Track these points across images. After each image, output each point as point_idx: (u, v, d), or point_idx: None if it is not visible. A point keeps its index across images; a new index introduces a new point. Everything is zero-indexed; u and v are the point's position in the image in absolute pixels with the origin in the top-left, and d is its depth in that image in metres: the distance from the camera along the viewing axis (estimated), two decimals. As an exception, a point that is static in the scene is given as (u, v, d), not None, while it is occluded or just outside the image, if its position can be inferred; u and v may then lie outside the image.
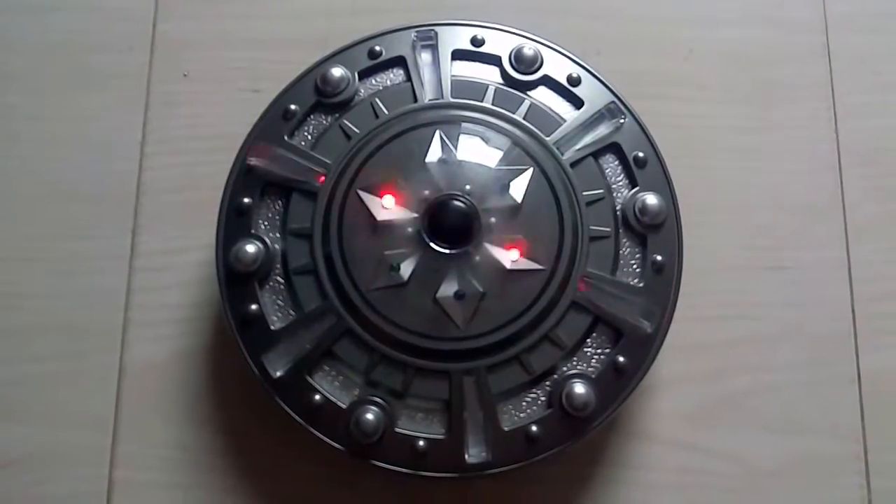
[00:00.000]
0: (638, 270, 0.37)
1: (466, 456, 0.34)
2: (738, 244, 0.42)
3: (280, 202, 0.37)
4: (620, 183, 0.38)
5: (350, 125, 0.37)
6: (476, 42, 0.39)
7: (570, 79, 0.38)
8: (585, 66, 0.39)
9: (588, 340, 0.36)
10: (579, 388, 0.35)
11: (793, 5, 0.45)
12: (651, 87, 0.44)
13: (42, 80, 0.44)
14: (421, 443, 0.34)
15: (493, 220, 0.35)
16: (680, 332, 0.38)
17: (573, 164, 0.37)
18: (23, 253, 0.41)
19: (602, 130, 0.38)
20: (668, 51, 0.45)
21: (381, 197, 0.35)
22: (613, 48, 0.44)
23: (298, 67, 0.39)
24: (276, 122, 0.38)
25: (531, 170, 0.36)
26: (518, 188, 0.36)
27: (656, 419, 0.40)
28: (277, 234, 0.37)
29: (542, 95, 0.38)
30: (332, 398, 0.35)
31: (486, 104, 0.38)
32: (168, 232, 0.42)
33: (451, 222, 0.35)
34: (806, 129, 0.44)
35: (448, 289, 0.34)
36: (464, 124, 0.37)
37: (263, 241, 0.36)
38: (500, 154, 0.36)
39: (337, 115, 0.38)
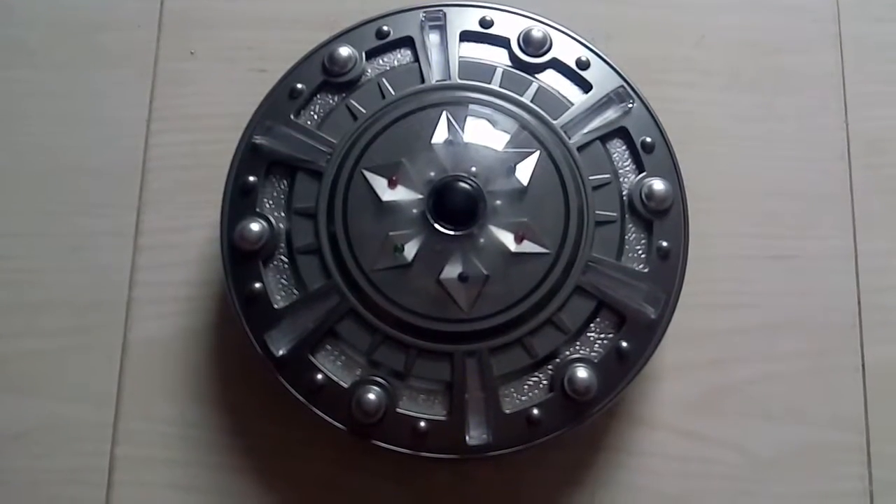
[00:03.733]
0: (643, 256, 0.36)
1: (467, 438, 0.34)
2: (745, 232, 0.42)
3: (285, 181, 0.37)
4: (627, 168, 0.37)
5: (356, 105, 0.37)
6: (485, 24, 0.39)
7: (578, 62, 0.38)
8: (594, 49, 0.39)
9: (591, 325, 0.36)
10: (581, 373, 0.35)
11: (805, -8, 0.45)
12: (660, 72, 0.44)
13: (51, 57, 0.44)
14: (422, 424, 0.34)
15: (498, 202, 0.35)
16: (684, 319, 0.38)
17: (580, 148, 0.37)
18: (29, 228, 0.41)
19: (610, 115, 0.38)
20: (679, 36, 0.44)
21: (386, 177, 0.35)
22: (623, 33, 0.44)
23: (306, 47, 0.39)
24: (282, 101, 0.38)
25: (538, 153, 0.36)
26: (524, 171, 0.35)
27: (659, 406, 0.40)
28: (282, 214, 0.37)
29: (551, 78, 0.38)
30: (334, 378, 0.35)
31: (494, 86, 0.37)
32: (173, 210, 0.42)
33: (455, 204, 0.35)
34: (816, 117, 0.43)
35: (452, 271, 0.34)
36: (471, 106, 0.37)
37: (268, 220, 0.36)
38: (506, 137, 0.36)
39: (344, 94, 0.38)
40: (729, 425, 0.39)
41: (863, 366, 0.40)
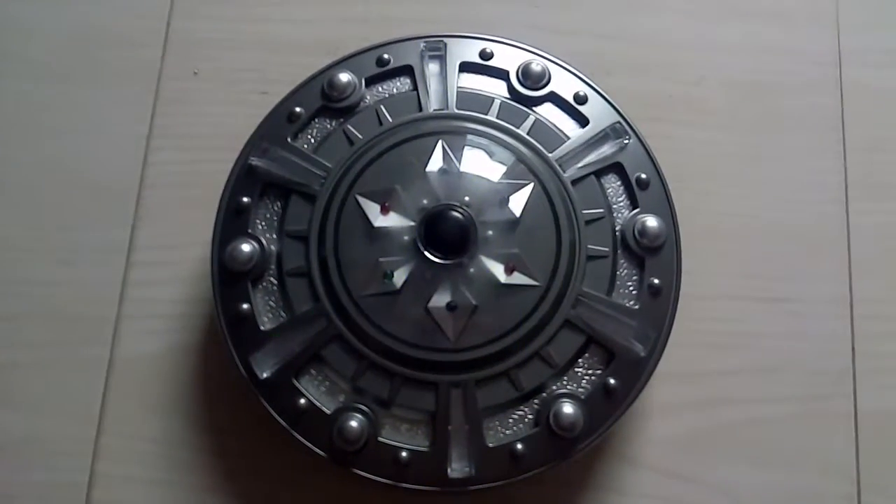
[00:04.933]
0: (634, 293, 0.36)
1: (449, 470, 0.34)
2: (739, 272, 0.41)
3: (279, 203, 0.37)
4: (621, 203, 0.37)
5: (353, 130, 0.37)
6: (485, 55, 0.39)
7: (576, 97, 0.38)
8: (593, 84, 0.39)
9: (580, 360, 0.35)
10: (567, 409, 0.34)
11: (807, 37, 0.45)
12: (660, 110, 0.44)
13: (55, 71, 0.44)
14: (404, 454, 0.34)
15: (490, 233, 0.35)
16: (675, 358, 0.37)
17: (574, 182, 0.37)
18: (23, 240, 0.41)
19: (606, 150, 0.38)
20: (680, 75, 0.45)
21: (379, 203, 0.35)
22: (624, 70, 0.44)
23: (308, 72, 0.39)
24: (280, 124, 0.38)
25: (531, 185, 0.36)
26: (517, 203, 0.35)
27: (646, 445, 0.39)
28: (274, 235, 0.37)
29: (548, 112, 0.38)
30: (317, 403, 0.35)
31: (491, 117, 0.38)
32: (167, 227, 0.42)
33: (446, 232, 0.35)
34: (814, 160, 0.43)
35: (440, 299, 0.34)
36: (467, 136, 0.37)
37: (259, 241, 0.36)
38: (501, 167, 0.36)
39: (341, 119, 0.38)
40: (717, 468, 0.39)
41: (855, 413, 0.39)
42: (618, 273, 0.36)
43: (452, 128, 0.37)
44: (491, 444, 0.34)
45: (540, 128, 0.38)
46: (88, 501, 0.38)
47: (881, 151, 0.43)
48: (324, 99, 0.38)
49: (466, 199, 0.35)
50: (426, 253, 0.34)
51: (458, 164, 0.36)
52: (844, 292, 0.41)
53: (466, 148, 0.36)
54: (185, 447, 0.39)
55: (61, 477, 0.38)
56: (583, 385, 0.35)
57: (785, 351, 0.40)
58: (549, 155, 0.37)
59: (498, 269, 0.35)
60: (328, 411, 0.34)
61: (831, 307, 0.41)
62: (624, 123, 0.38)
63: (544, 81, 0.38)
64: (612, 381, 0.35)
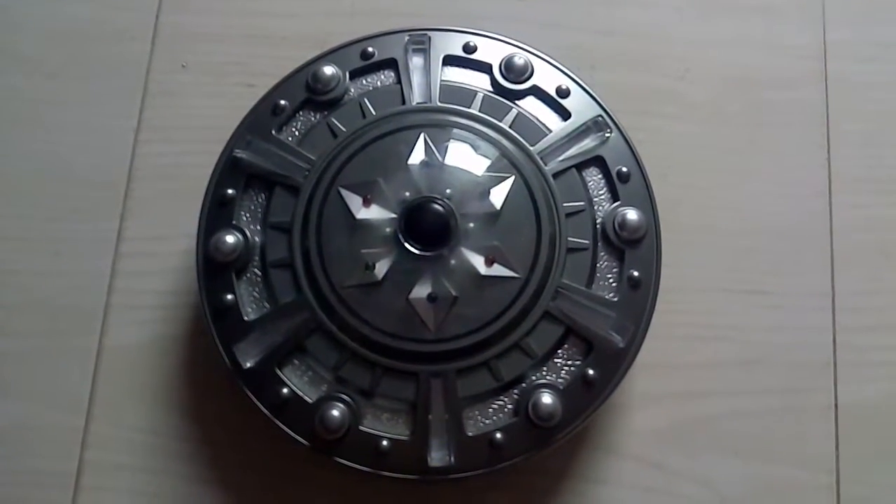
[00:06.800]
0: (614, 285, 0.36)
1: (429, 459, 0.34)
2: (722, 265, 0.42)
3: (263, 195, 0.37)
4: (602, 196, 0.38)
5: (337, 123, 0.38)
6: (468, 49, 0.39)
7: (558, 90, 0.39)
8: (575, 78, 0.39)
9: (559, 351, 0.36)
10: (546, 399, 0.35)
11: (792, 30, 0.45)
12: (645, 103, 0.44)
13: (45, 65, 0.45)
14: (384, 443, 0.34)
15: (471, 225, 0.35)
16: (656, 350, 0.38)
17: (556, 175, 0.37)
18: (13, 231, 0.42)
19: (587, 143, 0.38)
20: (665, 68, 0.45)
21: (361, 195, 0.36)
22: (609, 63, 0.44)
23: (295, 65, 0.40)
24: (265, 117, 0.38)
25: (512, 178, 0.36)
26: (498, 195, 0.36)
27: (627, 436, 0.39)
28: (258, 227, 0.37)
29: (530, 105, 0.39)
30: (299, 392, 0.35)
31: (473, 110, 0.38)
32: (156, 219, 0.42)
33: (427, 224, 0.35)
34: (798, 153, 0.43)
35: (421, 291, 0.35)
36: (450, 129, 0.37)
37: (243, 233, 0.37)
38: (485, 161, 0.36)
39: (325, 112, 0.38)
40: (697, 459, 0.39)
41: (835, 405, 0.40)
42: (598, 265, 0.37)
43: (435, 121, 0.37)
44: (470, 434, 0.35)
45: (522, 121, 0.38)
46: (77, 489, 0.39)
47: (865, 146, 0.43)
48: (308, 92, 0.38)
49: (448, 191, 0.35)
50: (407, 245, 0.35)
51: (439, 157, 0.36)
52: (826, 285, 0.41)
53: (452, 141, 0.37)
54: (171, 436, 0.39)
55: (51, 464, 0.39)
56: (562, 376, 0.35)
57: (766, 343, 0.41)
58: (531, 148, 0.37)
59: (478, 261, 0.35)
60: (310, 400, 0.35)
61: (813, 300, 0.41)
62: (606, 117, 0.38)
63: (527, 75, 0.39)
64: (590, 371, 0.35)
